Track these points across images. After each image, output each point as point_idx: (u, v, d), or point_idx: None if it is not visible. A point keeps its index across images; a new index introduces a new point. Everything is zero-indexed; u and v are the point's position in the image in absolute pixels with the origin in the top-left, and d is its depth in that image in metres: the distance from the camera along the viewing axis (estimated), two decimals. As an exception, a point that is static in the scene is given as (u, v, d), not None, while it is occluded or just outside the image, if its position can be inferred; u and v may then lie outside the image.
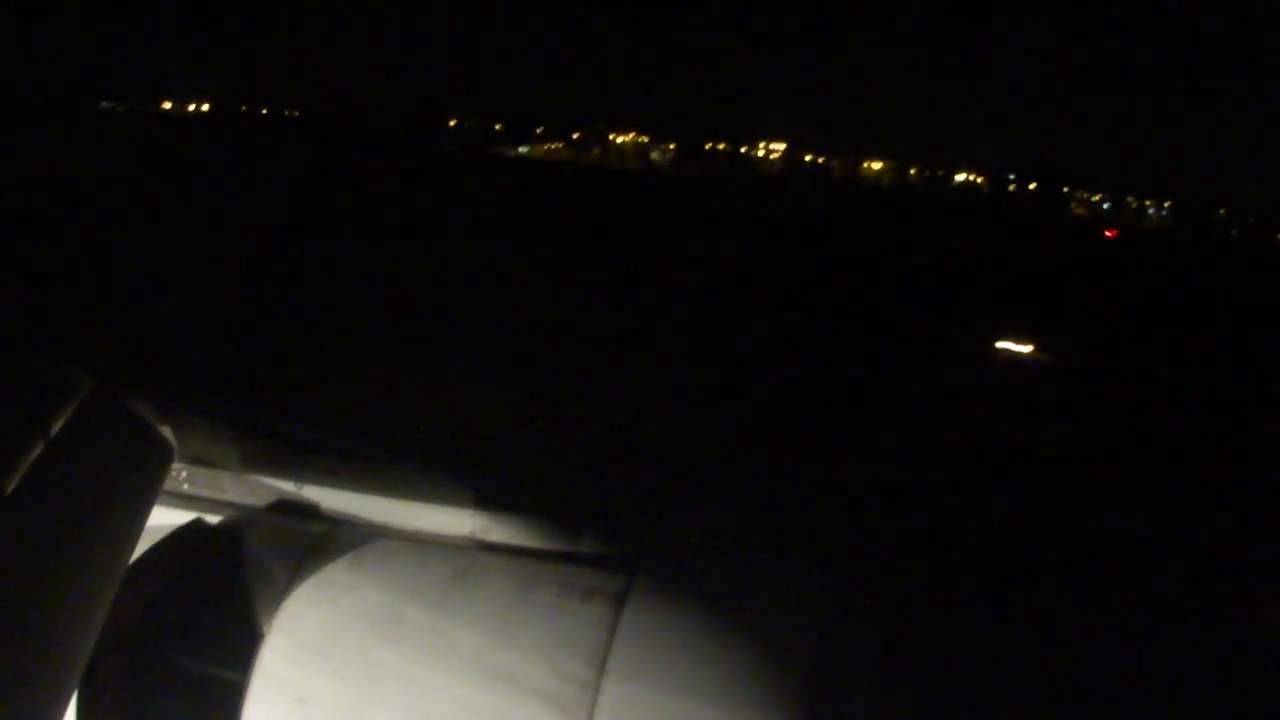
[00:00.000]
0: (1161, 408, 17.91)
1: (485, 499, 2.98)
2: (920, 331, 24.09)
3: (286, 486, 3.09)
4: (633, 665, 2.57)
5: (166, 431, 2.90)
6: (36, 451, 2.41)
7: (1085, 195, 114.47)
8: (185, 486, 3.10)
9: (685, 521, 3.16)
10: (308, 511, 3.08)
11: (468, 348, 16.89)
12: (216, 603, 2.85)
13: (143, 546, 2.83)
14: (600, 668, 2.57)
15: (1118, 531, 10.49)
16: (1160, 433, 15.81)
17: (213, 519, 3.07)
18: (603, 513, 2.99)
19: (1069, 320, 29.88)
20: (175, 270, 21.17)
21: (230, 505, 3.10)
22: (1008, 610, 8.23)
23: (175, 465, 3.00)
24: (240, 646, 2.75)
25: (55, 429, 2.50)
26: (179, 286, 19.37)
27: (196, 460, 3.08)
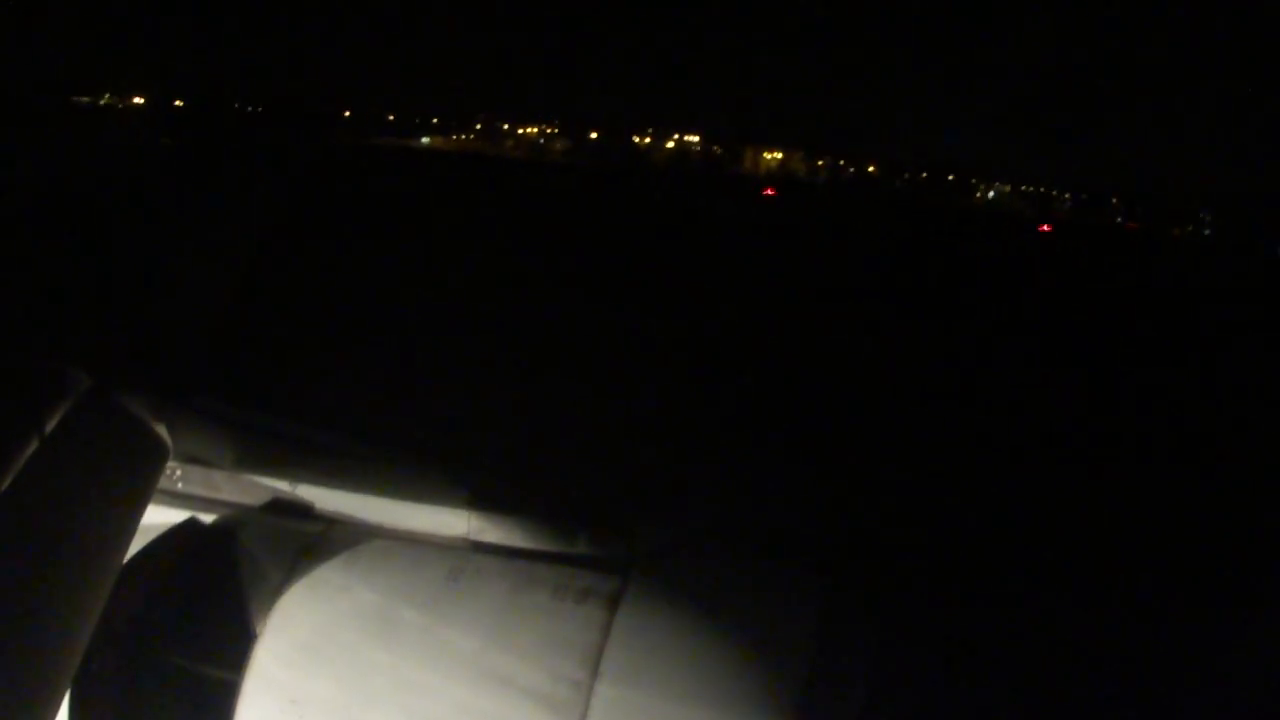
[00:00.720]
0: (1136, 406, 17.94)
1: (480, 500, 2.97)
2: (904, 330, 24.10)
3: (281, 486, 3.09)
4: (626, 667, 2.56)
5: (161, 430, 2.90)
6: (31, 449, 2.41)
7: (983, 185, 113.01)
8: (180, 485, 3.10)
9: (680, 524, 3.16)
10: (302, 511, 3.08)
11: (463, 348, 16.87)
12: (210, 602, 2.85)
13: (137, 545, 2.82)
14: (594, 669, 2.57)
15: (1116, 531, 10.50)
16: (1148, 430, 15.83)
17: (207, 518, 3.07)
18: (597, 514, 2.99)
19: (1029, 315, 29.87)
20: (171, 269, 21.14)
21: (225, 504, 3.10)
22: (1005, 614, 8.23)
23: (170, 464, 3.00)
24: (234, 646, 2.75)
25: (50, 427, 2.49)
26: (175, 285, 19.35)
27: (191, 459, 3.07)
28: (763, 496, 10.61)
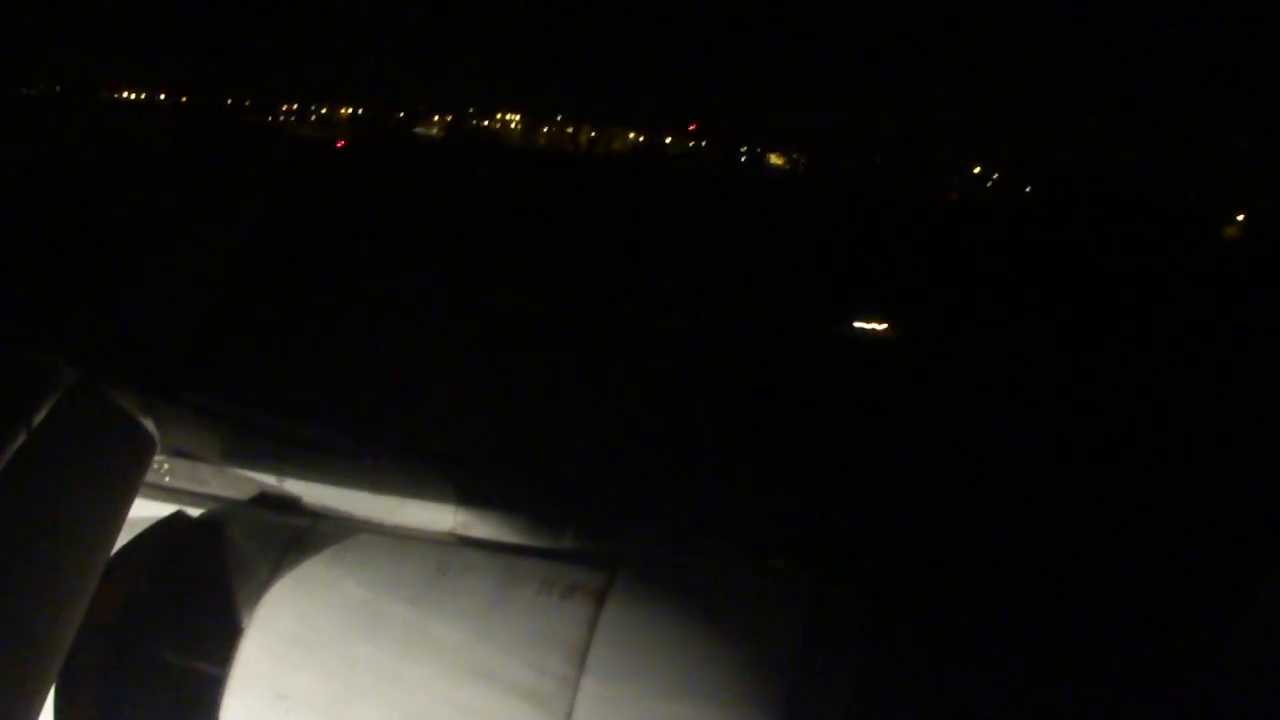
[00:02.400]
0: (1135, 402, 17.97)
1: (467, 494, 2.98)
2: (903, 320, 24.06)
3: (268, 480, 3.09)
4: (612, 663, 2.57)
5: (149, 424, 2.90)
6: (18, 442, 2.40)
7: (781, 155, 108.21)
8: (167, 479, 3.09)
9: (668, 519, 3.16)
10: (289, 505, 3.08)
11: (450, 343, 16.86)
12: (197, 596, 2.84)
13: (124, 539, 2.82)
14: (580, 664, 2.57)
15: (1107, 532, 10.53)
16: (1148, 426, 15.87)
17: (194, 512, 3.06)
18: (585, 509, 3.00)
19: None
20: (159, 263, 21.08)
21: (212, 498, 3.09)
22: (992, 612, 8.26)
23: (157, 457, 2.99)
24: (220, 640, 2.74)
25: (37, 420, 2.49)
26: (163, 279, 19.29)
27: (178, 453, 3.07)
28: (751, 496, 10.63)
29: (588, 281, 24.46)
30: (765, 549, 2.99)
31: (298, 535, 2.93)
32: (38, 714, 2.36)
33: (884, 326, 23.74)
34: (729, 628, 2.62)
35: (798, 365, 18.69)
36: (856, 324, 23.59)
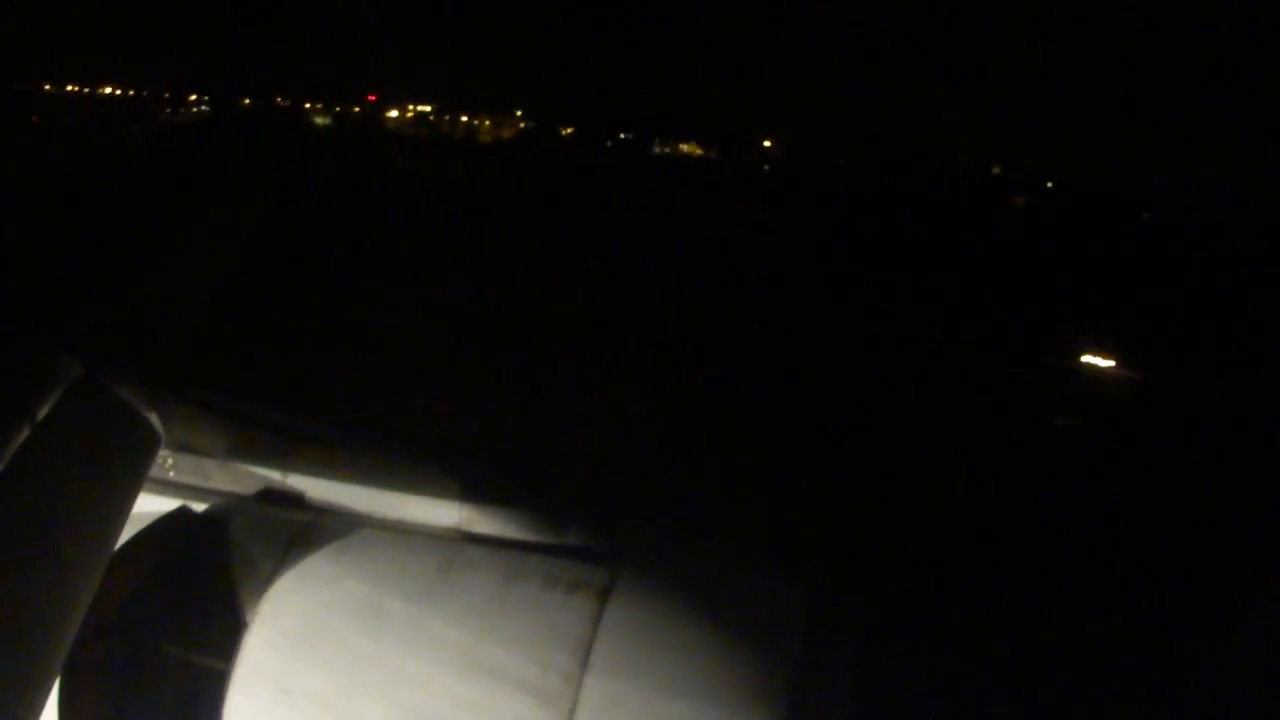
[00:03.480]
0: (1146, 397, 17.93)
1: (471, 491, 2.97)
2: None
3: (272, 475, 3.09)
4: (616, 659, 2.57)
5: (153, 418, 2.90)
6: (23, 436, 2.40)
7: (692, 144, 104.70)
8: (171, 474, 3.09)
9: (669, 516, 3.17)
10: (293, 500, 3.08)
11: (454, 339, 16.84)
12: (201, 591, 2.84)
13: (128, 533, 2.82)
14: (583, 661, 2.57)
15: (1111, 528, 10.51)
16: (1150, 425, 15.84)
17: (198, 507, 3.06)
18: (588, 506, 3.00)
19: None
20: (164, 257, 21.05)
21: (216, 493, 3.09)
22: (995, 608, 8.24)
23: (162, 452, 2.99)
24: (225, 635, 2.75)
25: (42, 414, 2.49)
26: (168, 273, 19.27)
27: (183, 448, 3.07)
28: (752, 488, 10.61)
29: (588, 277, 24.42)
30: (768, 546, 2.99)
31: (301, 531, 2.93)
32: (41, 708, 2.36)
33: (883, 322, 23.65)
34: (732, 625, 2.62)
35: (798, 362, 18.65)
36: (856, 320, 23.49)
